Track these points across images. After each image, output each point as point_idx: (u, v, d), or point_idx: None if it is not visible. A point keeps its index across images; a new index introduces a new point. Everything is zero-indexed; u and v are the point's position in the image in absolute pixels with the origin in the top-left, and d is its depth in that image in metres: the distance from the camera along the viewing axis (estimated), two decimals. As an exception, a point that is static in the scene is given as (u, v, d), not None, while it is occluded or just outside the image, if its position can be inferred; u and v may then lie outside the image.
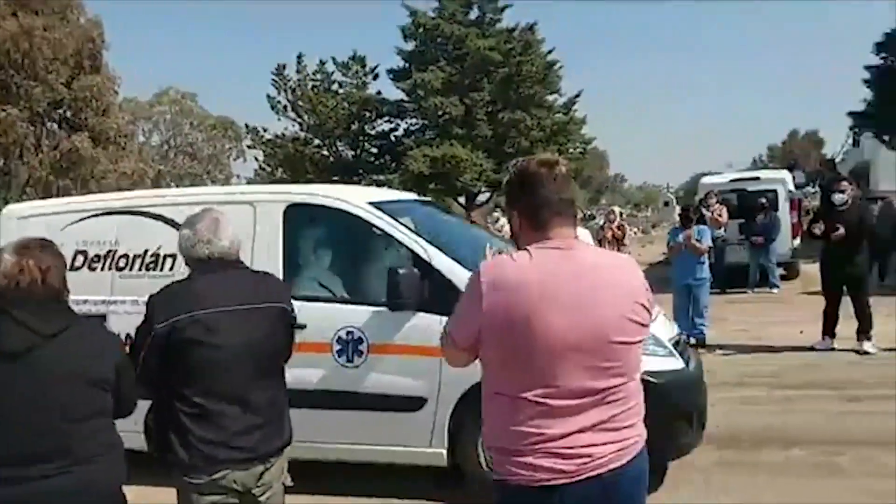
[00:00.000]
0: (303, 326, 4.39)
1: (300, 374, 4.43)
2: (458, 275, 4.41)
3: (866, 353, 7.96)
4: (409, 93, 26.40)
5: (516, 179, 2.10)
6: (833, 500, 4.30)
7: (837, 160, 33.21)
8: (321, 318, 4.56)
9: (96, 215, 5.34)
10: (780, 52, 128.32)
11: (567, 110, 26.68)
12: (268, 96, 27.50)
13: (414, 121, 27.58)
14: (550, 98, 26.55)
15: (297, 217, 4.91)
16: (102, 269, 5.19)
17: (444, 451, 4.47)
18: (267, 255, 4.71)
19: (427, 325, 4.37)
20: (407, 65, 26.84)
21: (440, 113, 25.40)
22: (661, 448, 4.27)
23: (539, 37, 26.26)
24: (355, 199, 4.92)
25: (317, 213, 5.01)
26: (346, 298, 4.80)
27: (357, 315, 4.58)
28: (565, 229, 2.04)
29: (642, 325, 2.02)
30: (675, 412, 4.25)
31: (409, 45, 26.96)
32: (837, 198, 8.12)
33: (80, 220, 5.33)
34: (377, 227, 4.75)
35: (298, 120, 27.78)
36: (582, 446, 1.91)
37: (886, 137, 22.39)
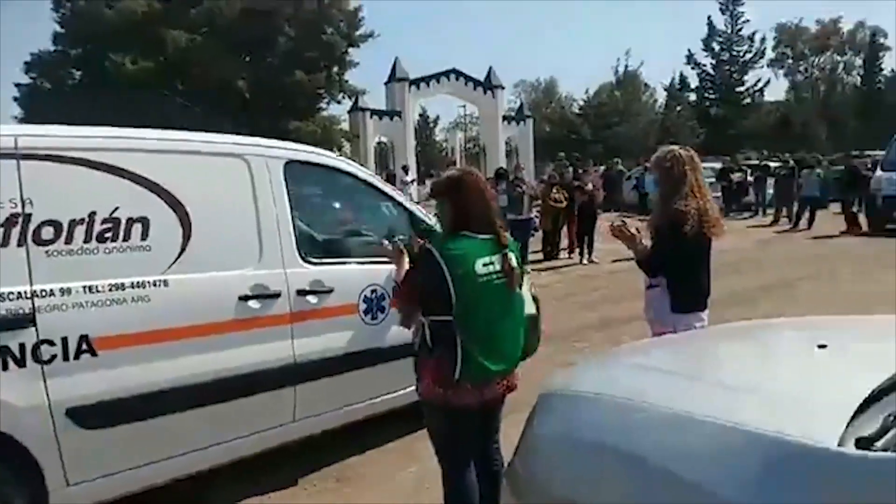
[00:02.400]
0: (330, 290, 4.44)
1: (330, 338, 4.42)
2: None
3: None
4: None
5: None
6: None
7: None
8: (347, 280, 4.52)
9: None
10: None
11: None
12: None
13: None
14: None
15: (297, 176, 4.48)
16: (3, 243, 3.42)
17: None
18: (275, 219, 4.27)
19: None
20: None
21: None
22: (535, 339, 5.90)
23: None
24: (339, 158, 4.83)
25: (313, 172, 4.63)
26: (365, 259, 4.71)
27: (379, 273, 4.67)
28: None
29: None
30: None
31: None
32: None
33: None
34: (373, 187, 4.85)
35: None
36: None
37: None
